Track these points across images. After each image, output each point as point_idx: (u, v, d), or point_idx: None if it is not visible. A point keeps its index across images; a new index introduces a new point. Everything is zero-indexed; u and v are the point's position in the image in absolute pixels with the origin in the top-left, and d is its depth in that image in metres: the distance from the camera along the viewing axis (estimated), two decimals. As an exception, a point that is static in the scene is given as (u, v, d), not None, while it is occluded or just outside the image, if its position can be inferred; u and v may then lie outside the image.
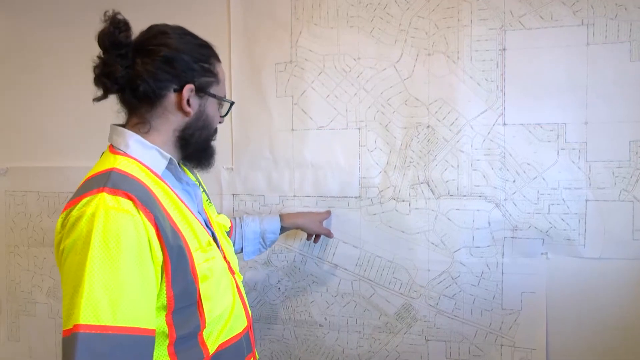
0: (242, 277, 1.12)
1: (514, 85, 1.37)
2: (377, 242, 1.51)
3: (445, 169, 1.44)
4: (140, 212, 0.82)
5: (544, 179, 1.36)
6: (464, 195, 1.43)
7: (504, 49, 1.37)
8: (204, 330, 0.91)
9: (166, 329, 0.86)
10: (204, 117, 1.00)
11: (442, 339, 1.47)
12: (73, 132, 1.77)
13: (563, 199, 1.36)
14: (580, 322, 1.37)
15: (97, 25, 0.92)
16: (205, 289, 0.90)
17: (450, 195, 1.44)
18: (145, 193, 0.85)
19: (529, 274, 1.40)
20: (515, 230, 1.40)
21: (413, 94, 1.45)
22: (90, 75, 0.93)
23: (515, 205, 1.39)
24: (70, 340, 0.74)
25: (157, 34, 0.95)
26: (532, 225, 1.38)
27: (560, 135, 1.35)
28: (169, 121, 0.96)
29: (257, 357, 1.11)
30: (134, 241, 0.80)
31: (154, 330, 0.82)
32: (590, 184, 1.34)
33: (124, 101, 0.96)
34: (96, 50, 0.92)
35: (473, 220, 1.42)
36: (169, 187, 0.93)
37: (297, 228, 1.47)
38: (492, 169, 1.40)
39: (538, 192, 1.37)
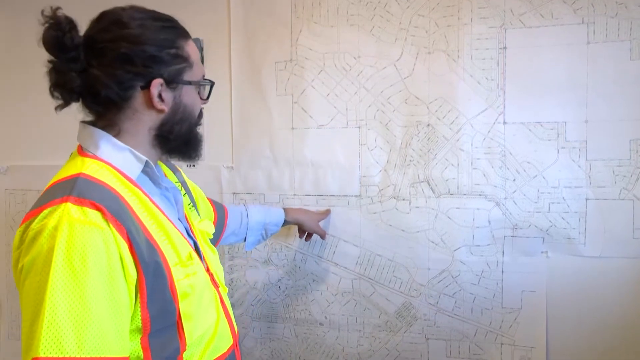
0: (227, 289, 1.03)
1: (515, 84, 1.37)
2: (377, 240, 1.51)
3: (446, 168, 1.43)
4: (110, 225, 0.72)
5: (544, 177, 1.36)
6: (464, 194, 1.43)
7: (504, 48, 1.37)
8: (184, 352, 0.82)
9: (141, 354, 0.77)
10: (182, 108, 0.89)
11: (442, 338, 1.47)
12: (73, 130, 1.76)
13: (563, 198, 1.36)
14: (580, 321, 1.37)
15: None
16: (185, 308, 0.81)
17: (451, 194, 1.44)
18: (117, 202, 0.76)
19: (529, 272, 1.40)
20: (516, 228, 1.39)
21: (413, 92, 1.45)
22: None
23: (516, 203, 1.39)
24: None
25: (110, 25, 0.82)
26: (533, 223, 1.38)
27: (561, 133, 1.35)
28: (142, 121, 0.86)
29: None
30: (103, 258, 0.70)
31: (127, 358, 0.73)
32: (590, 183, 1.34)
33: (87, 107, 0.86)
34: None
35: (473, 219, 1.42)
36: (144, 194, 0.83)
37: (297, 224, 1.48)
38: (493, 167, 1.40)
39: (538, 190, 1.37)
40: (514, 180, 1.38)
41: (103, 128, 0.85)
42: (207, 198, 1.25)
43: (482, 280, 1.43)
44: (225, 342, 0.92)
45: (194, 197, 1.13)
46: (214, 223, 1.23)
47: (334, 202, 1.54)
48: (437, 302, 1.47)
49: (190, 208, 1.03)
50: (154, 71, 0.83)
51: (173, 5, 1.67)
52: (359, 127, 1.50)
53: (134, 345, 0.76)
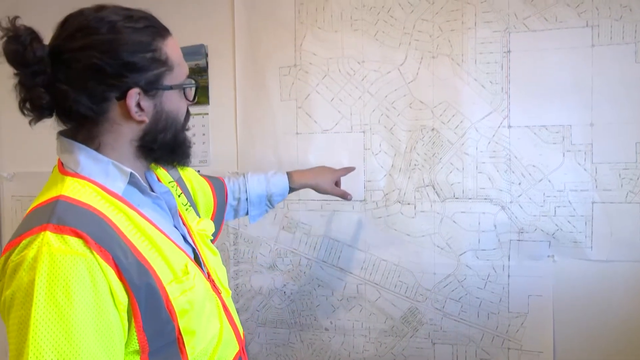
0: (230, 292, 0.97)
1: (519, 88, 1.37)
2: (383, 245, 1.50)
3: (451, 172, 1.43)
4: (94, 252, 0.67)
5: (549, 181, 1.36)
6: (470, 198, 1.42)
7: (509, 51, 1.37)
8: None
9: None
10: (164, 116, 0.81)
11: (449, 342, 1.47)
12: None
13: (569, 201, 1.35)
14: (587, 325, 1.36)
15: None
16: (185, 324, 0.77)
17: (456, 198, 1.43)
18: (101, 225, 0.71)
19: (536, 276, 1.39)
20: (522, 232, 1.39)
21: (417, 96, 1.45)
22: None
23: (521, 207, 1.38)
24: None
25: (76, 31, 0.74)
26: (539, 227, 1.37)
27: (566, 137, 1.34)
28: (122, 134, 0.79)
29: None
30: (89, 289, 0.65)
31: None
32: (596, 186, 1.33)
33: (61, 121, 0.80)
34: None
35: (479, 223, 1.42)
36: (132, 208, 0.78)
37: (309, 188, 1.34)
38: (498, 171, 1.39)
39: (544, 194, 1.37)
40: (520, 184, 1.38)
41: (82, 142, 0.79)
42: (203, 176, 1.18)
43: (488, 284, 1.42)
44: (231, 350, 0.89)
45: (192, 193, 1.09)
46: (214, 205, 1.17)
47: (338, 206, 1.54)
48: (443, 307, 1.46)
49: (187, 209, 0.97)
50: (129, 80, 0.75)
51: (176, 11, 1.69)
52: (364, 132, 1.50)
53: None
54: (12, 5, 1.75)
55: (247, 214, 1.28)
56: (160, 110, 0.80)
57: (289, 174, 1.30)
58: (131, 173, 0.79)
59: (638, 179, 1.31)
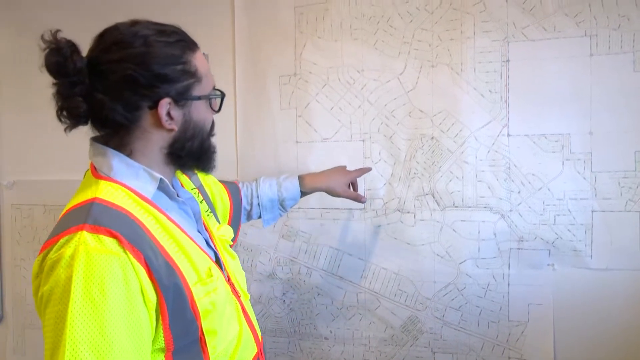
0: (248, 295, 1.02)
1: (518, 96, 1.37)
2: (382, 254, 1.50)
3: (450, 180, 1.43)
4: (127, 252, 0.72)
5: (549, 189, 1.36)
6: (469, 207, 1.42)
7: (508, 61, 1.38)
8: None
9: None
10: (192, 125, 0.87)
11: (449, 351, 1.46)
12: (79, 145, 1.77)
13: (569, 210, 1.35)
14: (588, 334, 1.36)
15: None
16: (207, 324, 0.81)
17: (456, 207, 1.43)
18: (133, 227, 0.75)
19: (536, 285, 1.39)
20: (521, 241, 1.39)
21: (417, 105, 1.45)
22: None
23: (521, 216, 1.38)
24: None
25: (112, 45, 0.80)
26: (538, 236, 1.38)
27: (565, 145, 1.35)
28: (152, 141, 0.84)
29: None
30: (122, 287, 0.70)
31: None
32: (596, 195, 1.33)
33: (96, 128, 0.85)
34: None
35: (478, 232, 1.42)
36: (162, 212, 0.83)
37: (321, 191, 1.33)
38: (497, 180, 1.40)
39: (544, 202, 1.37)
40: (519, 192, 1.38)
41: (115, 148, 0.84)
42: (221, 182, 1.21)
43: (488, 293, 1.42)
44: (250, 352, 0.92)
45: (211, 199, 1.12)
46: (230, 210, 1.20)
47: (338, 215, 1.54)
48: (443, 316, 1.46)
49: (208, 215, 1.02)
50: (161, 91, 0.81)
51: (177, 19, 1.69)
52: (363, 141, 1.51)
53: None
54: (53, 20, 1.78)
55: (260, 217, 1.30)
56: (188, 119, 0.86)
57: (300, 177, 1.30)
58: (161, 179, 0.84)
59: (637, 187, 1.31)
